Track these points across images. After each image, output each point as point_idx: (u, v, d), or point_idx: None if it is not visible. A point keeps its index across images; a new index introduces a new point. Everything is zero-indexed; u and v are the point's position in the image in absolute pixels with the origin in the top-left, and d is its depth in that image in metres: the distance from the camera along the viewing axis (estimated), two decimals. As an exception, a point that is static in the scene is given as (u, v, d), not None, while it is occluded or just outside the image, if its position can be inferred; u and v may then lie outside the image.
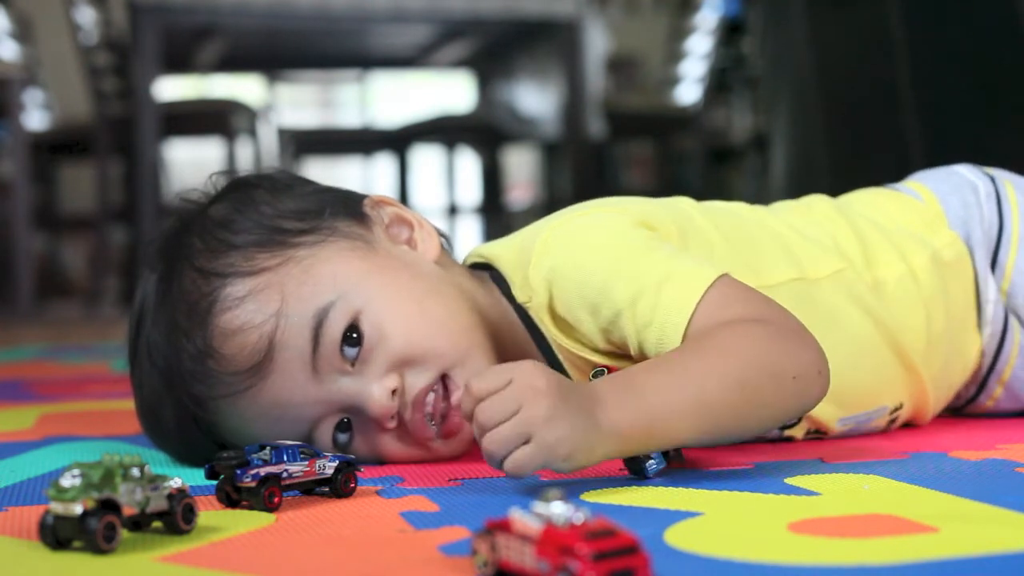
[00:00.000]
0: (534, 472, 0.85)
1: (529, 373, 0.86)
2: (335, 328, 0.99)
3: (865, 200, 1.23)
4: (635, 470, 0.92)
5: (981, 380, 1.19)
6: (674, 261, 0.99)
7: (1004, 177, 1.23)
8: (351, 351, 0.99)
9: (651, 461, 0.92)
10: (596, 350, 1.03)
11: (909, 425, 1.17)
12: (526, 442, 0.84)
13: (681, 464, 0.97)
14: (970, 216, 1.19)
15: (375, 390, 0.99)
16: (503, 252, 1.09)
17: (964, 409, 1.22)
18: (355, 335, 0.99)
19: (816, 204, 1.20)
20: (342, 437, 1.01)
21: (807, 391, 0.94)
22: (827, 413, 1.09)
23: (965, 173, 1.24)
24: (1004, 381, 1.19)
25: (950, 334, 1.14)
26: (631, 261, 0.99)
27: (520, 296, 1.05)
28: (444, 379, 1.01)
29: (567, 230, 1.05)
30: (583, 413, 0.86)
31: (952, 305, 1.15)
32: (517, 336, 1.06)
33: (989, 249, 1.18)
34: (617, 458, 0.91)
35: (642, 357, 0.98)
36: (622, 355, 1.01)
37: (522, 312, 1.06)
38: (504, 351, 1.06)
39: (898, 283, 1.12)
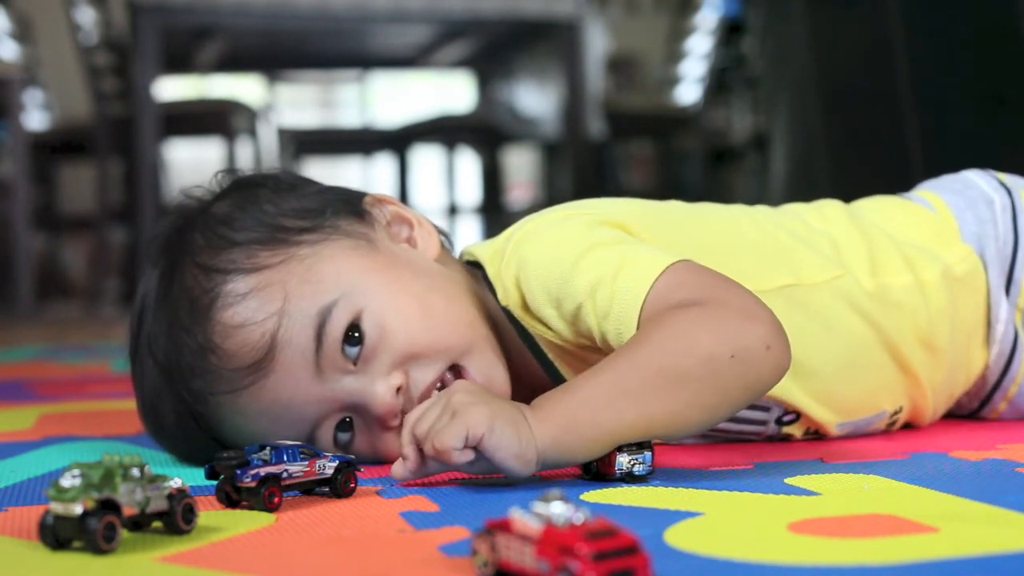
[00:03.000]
0: (458, 446, 0.87)
1: (454, 388, 0.92)
2: (337, 327, 0.99)
3: (877, 208, 1.21)
4: (627, 476, 0.92)
5: (985, 396, 1.18)
6: (632, 250, 0.99)
7: (1020, 187, 1.21)
8: (352, 350, 0.99)
9: (637, 467, 0.91)
10: (576, 345, 1.03)
11: (909, 425, 1.17)
12: None
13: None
14: (984, 233, 1.16)
15: (379, 388, 0.99)
16: (488, 256, 1.09)
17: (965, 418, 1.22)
18: (356, 334, 0.99)
19: (827, 208, 1.19)
20: (343, 437, 1.01)
21: (753, 369, 0.92)
22: (825, 418, 1.09)
23: (981, 184, 1.21)
24: (1009, 398, 1.18)
25: (955, 348, 1.13)
26: (591, 253, 0.99)
27: (501, 298, 1.06)
28: (456, 370, 1.02)
29: (534, 231, 1.05)
30: (511, 407, 0.90)
31: (959, 321, 1.13)
32: (512, 338, 1.06)
33: (1004, 268, 1.16)
34: (557, 463, 0.91)
35: (608, 347, 0.98)
36: (595, 348, 1.01)
37: (509, 315, 1.06)
38: (504, 350, 1.06)
39: (904, 291, 1.11)
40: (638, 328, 0.95)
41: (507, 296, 1.05)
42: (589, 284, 0.98)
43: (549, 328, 1.03)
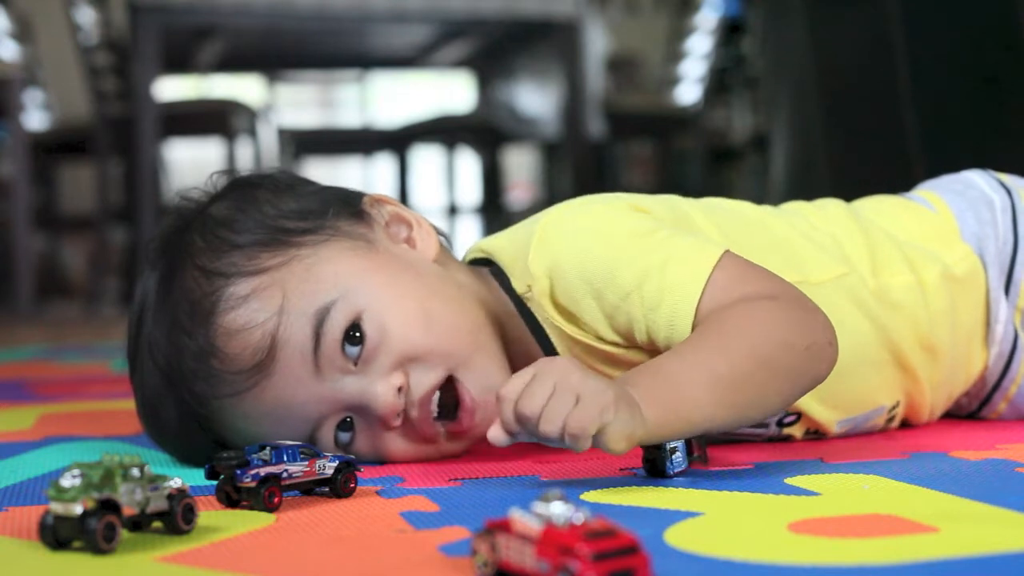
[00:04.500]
0: (595, 433, 0.84)
1: (549, 361, 0.88)
2: (336, 327, 0.99)
3: (877, 208, 1.21)
4: (656, 468, 0.92)
5: (985, 396, 1.18)
6: (676, 240, 1.00)
7: (1020, 187, 1.21)
8: (353, 350, 0.99)
9: (676, 455, 0.92)
10: (602, 340, 1.03)
11: (908, 425, 1.17)
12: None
13: (704, 465, 0.96)
14: (984, 233, 1.17)
15: (380, 388, 0.99)
16: (502, 245, 1.09)
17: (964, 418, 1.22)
18: (357, 334, 0.99)
19: (829, 206, 1.19)
20: (344, 436, 1.01)
21: (819, 361, 0.95)
22: (826, 416, 1.09)
23: (981, 185, 1.21)
24: (1009, 398, 1.18)
25: (954, 349, 1.13)
26: (632, 243, 1.00)
27: (519, 287, 1.05)
28: (450, 379, 1.01)
29: (565, 218, 1.05)
30: (611, 383, 0.87)
31: (959, 322, 1.13)
32: (519, 330, 1.06)
33: (1003, 269, 1.16)
34: (650, 441, 0.89)
35: (649, 342, 0.98)
36: (627, 345, 1.01)
37: (522, 305, 1.05)
38: (507, 345, 1.06)
39: (905, 291, 1.11)
40: (695, 321, 0.95)
41: (530, 285, 1.04)
42: (636, 275, 0.98)
43: (577, 323, 1.02)
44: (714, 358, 0.91)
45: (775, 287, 0.98)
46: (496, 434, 0.88)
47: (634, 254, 0.99)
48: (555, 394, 0.85)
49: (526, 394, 0.86)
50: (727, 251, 0.99)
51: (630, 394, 0.87)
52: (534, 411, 0.85)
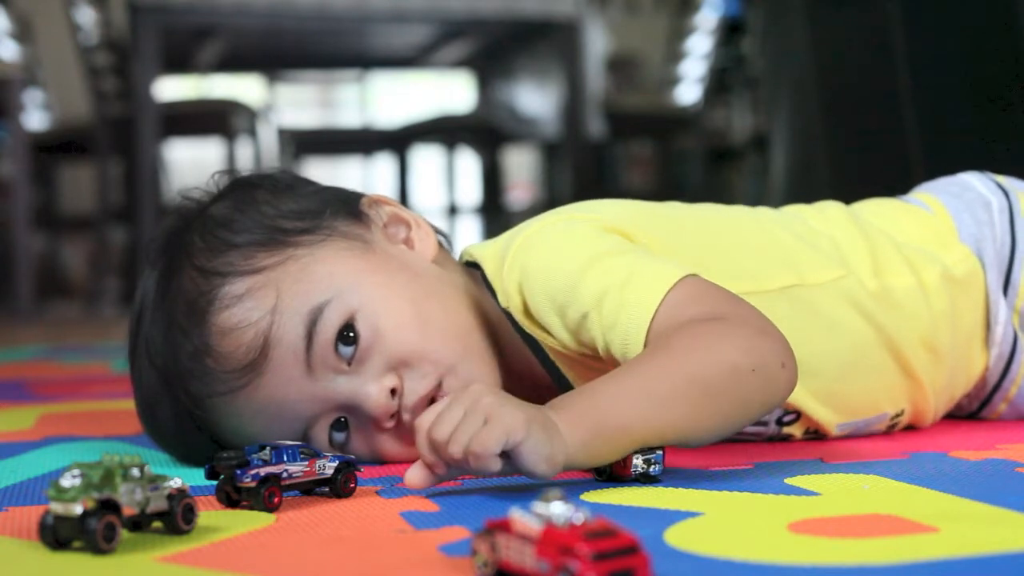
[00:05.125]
0: (501, 452, 0.82)
1: (466, 390, 0.87)
2: (329, 326, 0.99)
3: (876, 210, 1.21)
4: (642, 476, 0.92)
5: (985, 397, 1.18)
6: (640, 261, 0.99)
7: (1018, 189, 1.21)
8: (347, 350, 0.99)
9: (654, 465, 0.91)
10: (572, 351, 1.02)
11: (909, 427, 1.17)
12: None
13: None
14: (983, 235, 1.17)
15: (373, 389, 0.99)
16: (488, 255, 1.09)
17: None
18: (351, 334, 0.99)
19: (829, 209, 1.19)
20: (338, 436, 1.01)
21: (770, 384, 0.93)
22: (826, 418, 1.09)
23: (978, 186, 1.21)
24: (1009, 399, 1.18)
25: (955, 350, 1.13)
26: (598, 263, 0.99)
27: (502, 300, 1.05)
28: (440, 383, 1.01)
29: (538, 235, 1.05)
30: (540, 411, 0.86)
31: (960, 323, 1.13)
32: (512, 337, 1.06)
33: (1001, 270, 1.16)
34: (583, 466, 0.89)
35: (610, 358, 0.98)
36: (595, 356, 1.01)
37: (509, 316, 1.05)
38: (503, 350, 1.06)
39: (906, 292, 1.11)
40: (646, 341, 0.94)
41: (508, 300, 1.04)
42: (596, 293, 0.97)
43: (550, 335, 1.03)
44: (650, 380, 0.90)
45: (730, 308, 0.96)
46: (413, 475, 0.87)
47: (597, 273, 0.98)
48: (464, 417, 0.84)
49: (437, 421, 0.85)
50: (691, 274, 0.97)
51: (549, 417, 0.85)
52: (443, 436, 0.84)
